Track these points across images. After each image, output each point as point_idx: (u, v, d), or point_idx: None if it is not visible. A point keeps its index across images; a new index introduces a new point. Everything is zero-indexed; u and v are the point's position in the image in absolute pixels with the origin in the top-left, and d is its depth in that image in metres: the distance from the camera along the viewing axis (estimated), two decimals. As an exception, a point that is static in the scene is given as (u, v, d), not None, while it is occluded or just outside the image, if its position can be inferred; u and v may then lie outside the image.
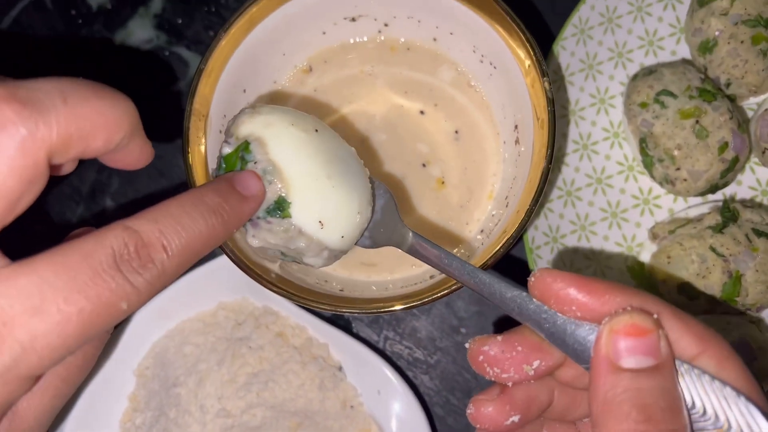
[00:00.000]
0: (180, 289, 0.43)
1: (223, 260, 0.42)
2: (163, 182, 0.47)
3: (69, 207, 0.48)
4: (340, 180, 0.29)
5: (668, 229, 0.39)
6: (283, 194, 0.28)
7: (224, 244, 0.35)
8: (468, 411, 0.28)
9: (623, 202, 0.43)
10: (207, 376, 0.40)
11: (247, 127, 0.29)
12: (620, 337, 0.23)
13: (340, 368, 0.41)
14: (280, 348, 0.41)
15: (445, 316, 0.45)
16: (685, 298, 0.38)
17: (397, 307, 0.34)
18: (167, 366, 0.41)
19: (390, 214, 0.32)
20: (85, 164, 0.48)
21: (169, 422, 0.40)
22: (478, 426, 0.28)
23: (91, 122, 0.23)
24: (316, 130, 0.30)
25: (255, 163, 0.28)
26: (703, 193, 0.40)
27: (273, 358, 0.40)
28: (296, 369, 0.40)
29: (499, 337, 0.28)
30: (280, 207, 0.28)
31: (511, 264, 0.45)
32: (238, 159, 0.29)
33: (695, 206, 0.41)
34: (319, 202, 0.28)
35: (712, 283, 0.37)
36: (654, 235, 0.40)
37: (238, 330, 0.41)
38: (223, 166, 0.29)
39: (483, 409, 0.27)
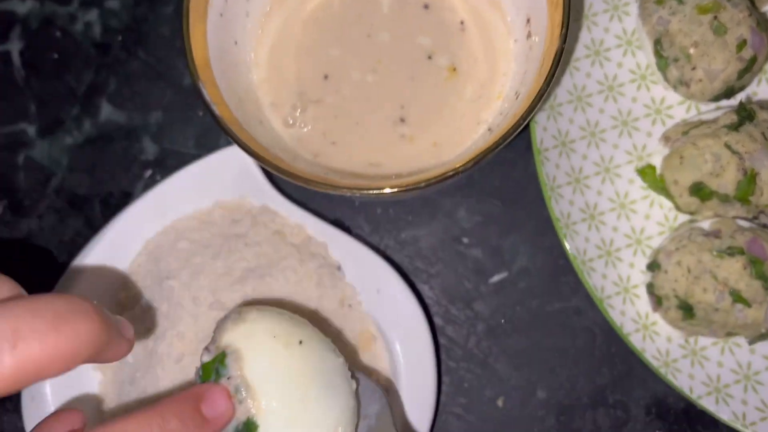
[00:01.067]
0: (175, 186, 0.41)
1: (220, 156, 0.41)
2: (161, 84, 0.46)
3: (64, 108, 0.46)
4: (315, 402, 0.29)
5: (681, 130, 0.38)
6: (252, 415, 0.28)
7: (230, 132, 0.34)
8: None
9: (635, 110, 0.41)
10: (201, 270, 0.39)
11: (229, 336, 0.30)
12: None
13: (339, 268, 0.40)
14: (277, 245, 0.39)
15: (447, 225, 0.43)
16: (698, 200, 0.37)
17: (387, 190, 0.33)
18: (160, 261, 0.40)
19: (384, 421, 0.32)
20: (82, 64, 0.46)
21: (160, 316, 0.38)
22: None
23: (44, 359, 0.23)
24: (300, 342, 0.30)
25: (228, 378, 0.29)
26: (717, 98, 0.39)
27: (270, 254, 0.39)
28: (294, 265, 0.39)
29: None
30: (249, 429, 0.28)
31: (517, 158, 0.43)
32: (213, 371, 0.29)
33: (710, 112, 0.40)
34: (288, 427, 0.29)
35: (726, 182, 0.36)
36: (666, 138, 0.39)
37: (235, 227, 0.40)
38: (200, 374, 0.30)
39: None
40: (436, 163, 0.38)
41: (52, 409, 0.40)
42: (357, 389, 0.31)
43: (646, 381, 0.41)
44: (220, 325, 0.32)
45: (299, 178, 0.33)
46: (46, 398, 0.40)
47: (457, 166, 0.33)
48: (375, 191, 0.33)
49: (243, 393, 0.29)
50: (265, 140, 0.36)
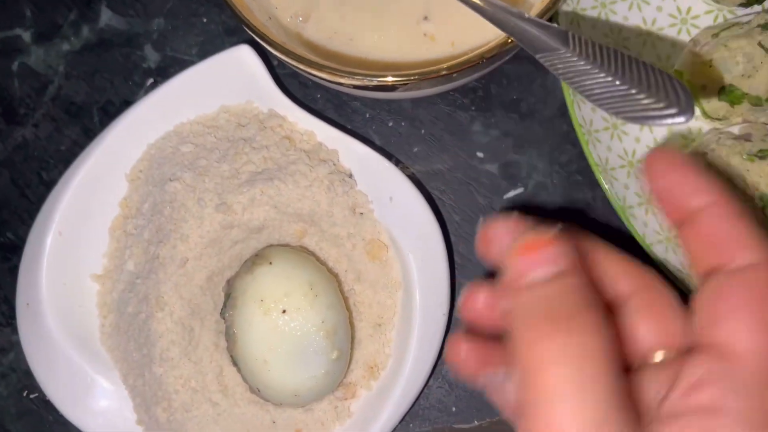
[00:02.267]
0: (178, 89, 0.39)
1: (225, 58, 0.39)
2: (163, -11, 0.44)
3: (61, 13, 0.44)
4: (275, 367, 0.34)
5: (711, 33, 0.37)
6: (235, 355, 0.35)
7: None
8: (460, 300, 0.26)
9: (660, 20, 0.40)
10: (206, 172, 0.37)
11: (237, 280, 0.35)
12: (517, 257, 0.22)
13: (351, 175, 0.38)
14: (286, 150, 0.38)
15: (462, 140, 0.42)
16: (727, 104, 0.36)
17: (377, 78, 0.31)
18: (163, 165, 0.38)
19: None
20: (80, -33, 0.44)
21: (164, 220, 0.37)
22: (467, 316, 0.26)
23: None
24: (284, 311, 0.34)
25: (227, 316, 0.35)
26: (749, 2, 0.37)
27: (279, 159, 0.37)
28: (304, 170, 0.37)
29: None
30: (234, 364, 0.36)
31: (535, 71, 0.42)
32: (225, 303, 0.36)
33: (739, 18, 0.38)
34: (253, 378, 0.35)
35: (759, 84, 0.35)
36: (695, 42, 0.37)
37: (241, 131, 0.38)
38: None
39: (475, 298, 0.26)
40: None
41: (48, 320, 0.38)
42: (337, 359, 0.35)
43: (663, 300, 0.40)
44: (244, 263, 0.36)
45: (312, 63, 0.32)
46: (42, 307, 0.38)
47: (472, 57, 0.31)
48: (378, 79, 0.31)
49: (232, 332, 0.35)
50: (277, 35, 0.34)
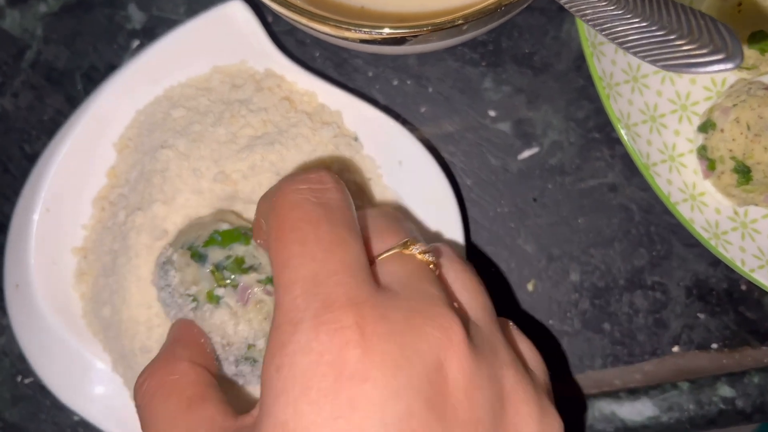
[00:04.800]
0: (166, 50, 0.36)
1: (215, 15, 0.36)
2: (145, -58, 0.41)
3: (34, -28, 0.41)
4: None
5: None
6: None
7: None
8: None
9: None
10: (201, 137, 0.34)
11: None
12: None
13: (356, 138, 0.36)
14: (286, 112, 0.35)
15: (472, 97, 0.39)
16: (757, 52, 0.34)
17: (386, 30, 0.29)
18: (153, 132, 0.36)
19: None
20: None
21: (153, 190, 0.34)
22: None
23: None
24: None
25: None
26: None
27: (279, 121, 0.35)
28: (306, 133, 0.34)
29: None
30: None
31: (548, 23, 0.39)
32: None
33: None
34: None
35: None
36: (722, -14, 0.35)
37: (237, 92, 0.36)
38: None
39: None
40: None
41: (40, 301, 0.36)
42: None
43: (686, 261, 0.38)
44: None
45: (315, 16, 0.29)
46: (32, 289, 0.36)
47: (489, 4, 0.29)
48: (388, 31, 0.29)
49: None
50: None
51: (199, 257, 0.31)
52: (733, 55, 0.23)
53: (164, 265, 0.31)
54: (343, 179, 0.28)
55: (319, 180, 0.25)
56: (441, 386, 0.22)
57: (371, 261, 0.26)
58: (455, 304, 0.25)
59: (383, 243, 0.26)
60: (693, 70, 0.23)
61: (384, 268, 0.25)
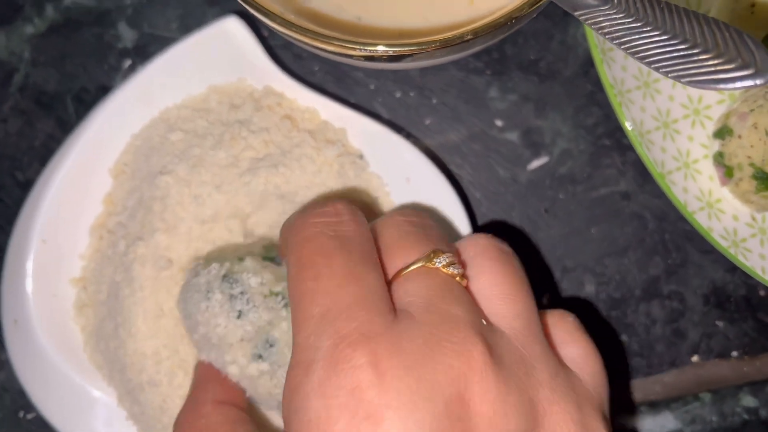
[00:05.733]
0: (160, 70, 0.35)
1: (211, 33, 0.35)
2: (133, -43, 0.39)
3: (19, -9, 0.39)
4: None
5: (752, -26, 0.33)
6: None
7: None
8: None
9: (689, -38, 0.36)
10: (201, 162, 0.33)
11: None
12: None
13: (361, 156, 0.35)
14: (288, 132, 0.34)
15: (477, 107, 0.38)
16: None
17: (380, 48, 0.27)
18: (151, 157, 0.34)
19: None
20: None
21: (154, 218, 0.33)
22: None
23: None
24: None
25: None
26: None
27: (281, 142, 0.34)
28: (310, 153, 0.33)
29: None
30: None
31: (553, 28, 0.38)
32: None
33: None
34: None
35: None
36: (733, -14, 0.34)
37: (236, 112, 0.34)
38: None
39: None
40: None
41: (40, 336, 0.35)
42: None
43: (703, 269, 0.37)
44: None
45: (318, 35, 0.28)
46: (31, 324, 0.35)
47: (499, 17, 0.28)
48: (395, 49, 0.27)
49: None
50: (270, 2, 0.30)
51: (271, 260, 0.30)
52: (762, 70, 0.22)
53: (217, 280, 0.29)
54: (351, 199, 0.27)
55: (335, 212, 0.25)
56: (463, 420, 0.21)
57: (395, 276, 0.24)
58: (483, 321, 0.23)
59: (406, 257, 0.25)
60: (721, 86, 0.22)
61: (405, 287, 0.24)
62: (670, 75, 0.23)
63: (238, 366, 0.28)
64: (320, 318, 0.22)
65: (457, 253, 0.26)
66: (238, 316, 0.28)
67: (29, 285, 0.34)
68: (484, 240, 0.27)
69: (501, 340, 0.23)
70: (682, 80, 0.23)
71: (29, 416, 0.38)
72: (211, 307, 0.28)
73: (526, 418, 0.22)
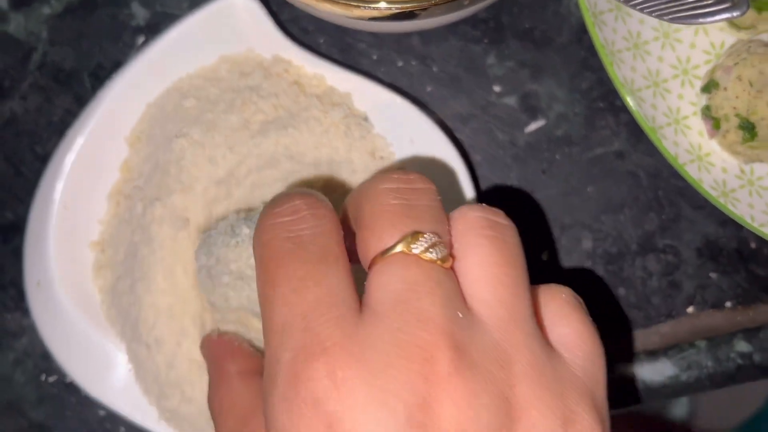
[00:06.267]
0: (173, 42, 0.37)
1: (220, 5, 0.37)
2: (145, -60, 0.41)
3: (36, -25, 0.41)
4: None
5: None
6: None
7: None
8: None
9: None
10: (214, 126, 0.35)
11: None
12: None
13: (366, 118, 0.36)
14: (296, 96, 0.36)
15: (476, 74, 0.40)
16: (755, 12, 0.34)
17: (382, 5, 0.29)
18: (165, 123, 0.36)
19: None
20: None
21: (170, 180, 0.34)
22: None
23: None
24: None
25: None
26: None
27: (289, 106, 0.35)
28: (318, 115, 0.35)
29: None
30: None
31: None
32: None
33: None
34: None
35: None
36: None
37: (246, 79, 0.36)
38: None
39: None
40: None
41: (62, 297, 0.36)
42: None
43: (695, 223, 0.39)
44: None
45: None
46: (54, 285, 0.36)
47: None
48: (398, 5, 0.29)
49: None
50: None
51: None
52: (738, 3, 0.23)
53: (239, 221, 0.31)
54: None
55: (292, 210, 0.23)
56: (428, 427, 0.20)
57: (372, 262, 0.23)
58: (459, 313, 0.22)
59: (384, 239, 0.22)
60: (700, 20, 0.24)
61: (378, 279, 0.22)
62: (654, 14, 0.25)
63: None
64: (280, 330, 0.21)
65: (445, 229, 0.24)
66: None
67: (51, 248, 0.36)
68: (476, 212, 0.24)
69: (476, 334, 0.21)
70: (665, 18, 0.25)
71: (51, 379, 0.40)
72: (241, 242, 0.29)
73: (501, 417, 0.21)
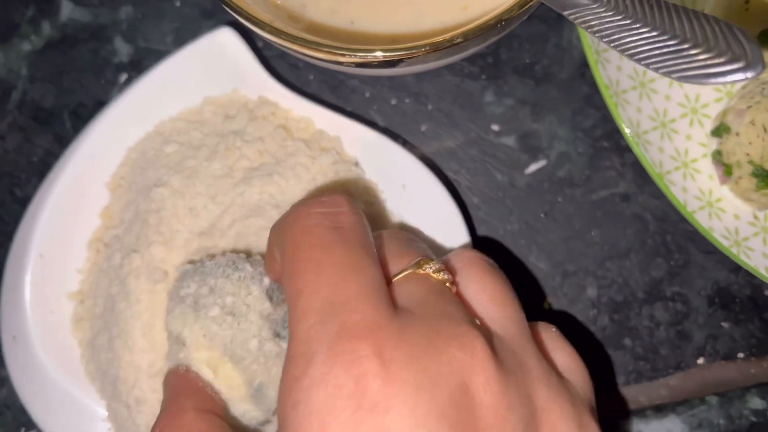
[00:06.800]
0: (155, 83, 0.35)
1: (205, 44, 0.35)
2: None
3: (17, 10, 0.39)
4: None
5: (745, -29, 0.33)
6: None
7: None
8: None
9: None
10: (196, 173, 0.33)
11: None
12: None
13: (357, 164, 0.35)
14: (283, 141, 0.34)
15: (473, 113, 0.38)
16: (769, 50, 0.32)
17: (380, 53, 0.27)
18: (146, 169, 0.34)
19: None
20: (32, -44, 0.39)
21: (150, 230, 0.33)
22: None
23: None
24: None
25: None
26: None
27: (275, 151, 0.34)
28: (305, 162, 0.33)
29: None
30: None
31: (549, 31, 0.38)
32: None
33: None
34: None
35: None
36: (727, -17, 0.34)
37: (230, 123, 0.34)
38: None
39: None
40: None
41: (38, 349, 0.34)
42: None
43: (706, 269, 0.37)
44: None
45: (308, 43, 0.28)
46: (30, 341, 0.34)
47: (489, 20, 0.27)
48: (385, 54, 0.27)
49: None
50: (261, 11, 0.30)
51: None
52: (753, 63, 0.21)
53: (241, 259, 0.30)
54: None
55: (333, 203, 0.24)
56: (469, 410, 0.21)
57: (387, 283, 0.24)
58: (477, 321, 0.24)
59: (397, 264, 0.25)
60: (712, 80, 0.22)
61: (400, 289, 0.24)
62: (661, 71, 0.23)
63: (259, 341, 0.28)
64: (321, 310, 0.22)
65: (445, 264, 0.26)
66: (266, 291, 0.29)
67: (27, 300, 0.34)
68: (470, 253, 0.27)
69: (495, 338, 0.24)
70: (673, 76, 0.23)
71: (31, 433, 0.38)
72: (242, 278, 0.28)
73: (528, 411, 0.22)
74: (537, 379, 0.23)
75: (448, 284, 0.25)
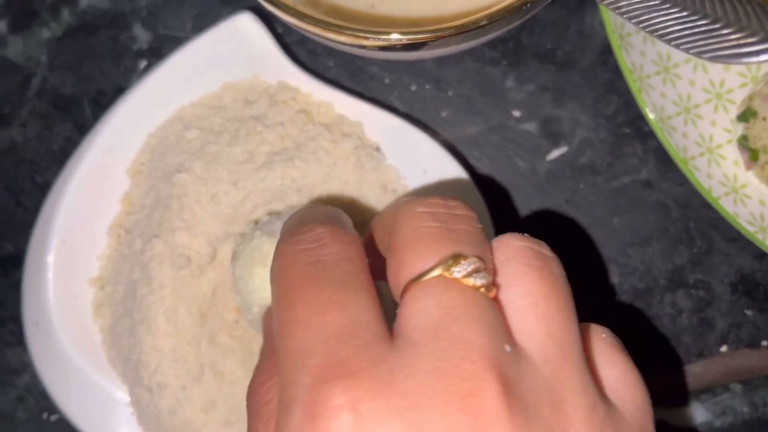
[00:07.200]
0: (176, 69, 0.35)
1: (223, 30, 0.35)
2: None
3: None
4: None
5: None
6: None
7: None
8: None
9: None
10: (217, 159, 0.33)
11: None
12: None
13: (378, 149, 0.34)
14: (304, 125, 0.34)
15: (494, 99, 0.38)
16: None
17: (405, 36, 0.27)
18: (167, 155, 0.34)
19: None
20: (51, -57, 0.39)
21: (172, 216, 0.33)
22: None
23: None
24: None
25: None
26: None
27: (296, 135, 0.33)
28: (326, 146, 0.33)
29: None
30: None
31: (569, 16, 0.37)
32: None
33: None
34: None
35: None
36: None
37: (251, 108, 0.34)
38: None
39: None
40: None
41: (60, 335, 0.35)
42: None
43: (729, 256, 0.37)
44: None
45: (330, 26, 0.27)
46: (53, 326, 0.35)
47: (514, 1, 0.27)
48: (408, 36, 0.27)
49: None
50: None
51: None
52: (788, 42, 0.21)
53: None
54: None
55: (315, 238, 0.22)
56: None
57: (406, 287, 0.20)
58: (507, 346, 0.19)
59: (420, 262, 0.20)
60: (744, 60, 0.21)
61: (413, 306, 0.20)
62: (691, 51, 0.23)
63: None
64: (297, 353, 0.19)
65: (488, 256, 0.21)
66: None
67: (49, 286, 0.35)
68: (519, 241, 0.22)
69: (526, 369, 0.19)
70: (704, 56, 0.22)
71: (53, 418, 0.38)
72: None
73: None
74: (571, 420, 0.19)
75: (482, 289, 0.20)
